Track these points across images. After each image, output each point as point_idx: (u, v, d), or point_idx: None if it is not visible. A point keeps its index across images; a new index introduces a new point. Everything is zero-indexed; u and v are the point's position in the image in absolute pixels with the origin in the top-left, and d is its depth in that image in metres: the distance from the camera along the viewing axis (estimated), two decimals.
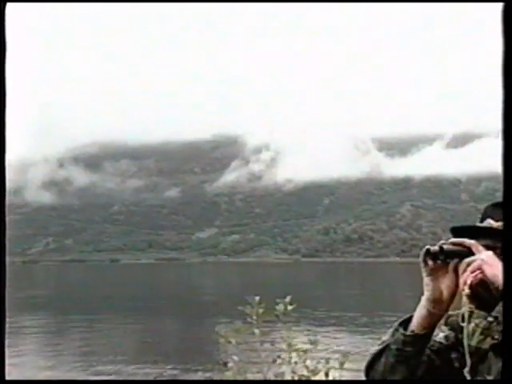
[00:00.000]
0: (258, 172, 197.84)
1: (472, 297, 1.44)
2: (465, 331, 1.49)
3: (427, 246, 1.49)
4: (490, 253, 1.46)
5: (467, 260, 1.46)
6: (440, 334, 1.62)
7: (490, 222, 1.55)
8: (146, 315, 25.99)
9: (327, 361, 4.62)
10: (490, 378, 1.51)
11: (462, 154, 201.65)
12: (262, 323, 4.88)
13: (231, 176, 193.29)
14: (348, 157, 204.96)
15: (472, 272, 1.43)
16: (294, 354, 4.66)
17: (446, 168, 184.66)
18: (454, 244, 1.49)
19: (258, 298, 4.91)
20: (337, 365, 4.58)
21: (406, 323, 1.57)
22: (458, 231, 1.56)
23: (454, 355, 1.59)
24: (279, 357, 4.74)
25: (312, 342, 4.88)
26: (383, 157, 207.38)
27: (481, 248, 1.47)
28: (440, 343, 1.61)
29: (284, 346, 4.77)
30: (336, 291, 40.69)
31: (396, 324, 1.60)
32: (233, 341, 4.80)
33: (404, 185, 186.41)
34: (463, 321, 1.56)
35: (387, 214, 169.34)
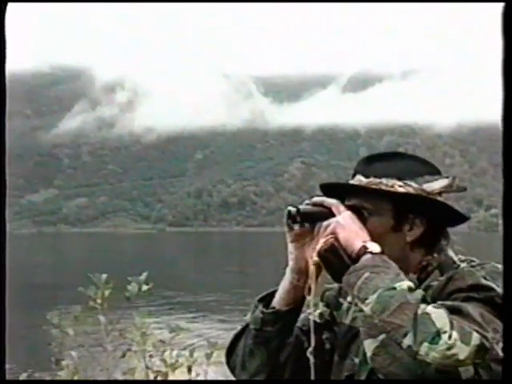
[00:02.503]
0: (111, 117, 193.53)
1: (323, 265, 1.55)
2: (311, 306, 1.62)
3: (289, 207, 1.58)
4: (348, 214, 1.55)
5: (325, 223, 1.56)
6: (315, 312, 1.72)
7: (359, 179, 1.62)
8: None
9: (191, 353, 4.68)
10: (356, 360, 1.62)
11: (361, 99, 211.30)
12: (110, 308, 4.82)
13: (75, 121, 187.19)
14: (225, 101, 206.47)
15: (325, 237, 1.54)
16: (149, 346, 4.67)
17: (343, 117, 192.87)
18: (314, 204, 1.60)
19: (104, 277, 4.82)
20: (203, 357, 4.66)
21: (269, 299, 1.68)
22: (327, 189, 1.66)
23: (325, 335, 1.70)
24: (130, 349, 4.73)
25: (173, 330, 4.91)
26: (269, 102, 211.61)
27: (342, 208, 1.57)
28: (313, 322, 1.67)
29: (137, 337, 4.76)
30: (209, 268, 41.37)
31: (256, 300, 1.70)
32: (70, 331, 4.71)
33: (293, 137, 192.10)
34: (340, 295, 1.72)
35: (273, 172, 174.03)
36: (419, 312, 1.35)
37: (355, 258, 1.49)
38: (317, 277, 1.58)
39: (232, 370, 1.73)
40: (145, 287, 4.79)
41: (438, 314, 1.35)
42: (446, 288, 1.49)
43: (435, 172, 1.63)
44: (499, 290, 1.42)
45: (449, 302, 1.41)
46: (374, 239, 1.53)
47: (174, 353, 4.68)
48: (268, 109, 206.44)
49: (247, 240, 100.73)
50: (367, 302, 1.40)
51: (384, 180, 1.59)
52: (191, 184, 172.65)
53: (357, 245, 1.50)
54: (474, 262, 1.56)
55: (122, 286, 4.85)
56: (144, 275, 4.82)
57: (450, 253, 1.62)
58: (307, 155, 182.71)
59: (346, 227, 1.53)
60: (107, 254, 57.10)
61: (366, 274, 1.44)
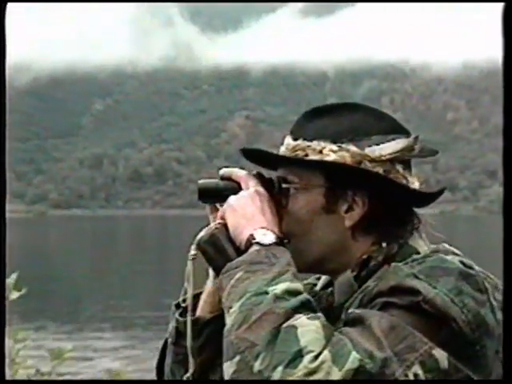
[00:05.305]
0: None
1: (205, 260, 1.61)
2: (188, 314, 1.68)
3: (200, 181, 1.68)
4: (248, 192, 1.60)
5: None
6: None
7: (288, 142, 1.65)
8: None
9: None
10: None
11: (327, 28, 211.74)
12: None
13: None
14: (135, 30, 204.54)
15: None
16: (22, 371, 4.71)
17: (303, 53, 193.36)
18: (222, 177, 1.68)
19: None
20: None
21: (193, 305, 1.73)
22: (252, 155, 1.71)
23: None
24: None
25: (56, 356, 4.97)
26: (197, 32, 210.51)
27: (251, 183, 1.62)
28: (190, 336, 1.71)
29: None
30: (111, 266, 41.37)
31: (173, 305, 1.78)
32: None
33: (234, 82, 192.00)
34: None
35: (206, 131, 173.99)
36: (284, 325, 1.34)
37: (244, 252, 1.51)
38: (195, 275, 1.66)
39: None
40: (15, 294, 4.80)
41: (307, 328, 1.34)
42: (373, 291, 1.48)
43: (393, 130, 1.60)
44: (432, 291, 1.40)
45: (357, 311, 1.43)
46: (300, 224, 1.58)
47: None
48: (196, 41, 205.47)
49: (168, 227, 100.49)
50: (231, 311, 1.41)
51: (314, 143, 1.58)
52: (86, 148, 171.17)
53: (245, 234, 1.52)
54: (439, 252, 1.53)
55: None
56: (13, 278, 4.83)
57: (418, 241, 1.60)
58: (254, 107, 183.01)
59: (238, 211, 1.55)
60: None
61: (239, 275, 1.44)
